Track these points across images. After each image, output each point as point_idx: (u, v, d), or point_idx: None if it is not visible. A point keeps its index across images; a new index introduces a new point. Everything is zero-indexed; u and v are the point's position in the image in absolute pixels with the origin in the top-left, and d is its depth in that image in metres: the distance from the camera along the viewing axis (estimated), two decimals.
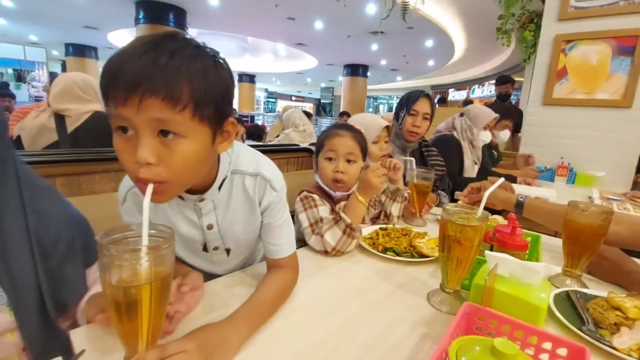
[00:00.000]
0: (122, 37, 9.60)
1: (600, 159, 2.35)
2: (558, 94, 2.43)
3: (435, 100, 6.92)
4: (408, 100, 1.59)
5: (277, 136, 3.06)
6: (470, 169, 2.03)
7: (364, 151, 1.10)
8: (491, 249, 0.80)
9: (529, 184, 2.05)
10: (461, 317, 0.50)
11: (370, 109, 21.43)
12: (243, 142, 3.61)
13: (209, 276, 0.78)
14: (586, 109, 2.35)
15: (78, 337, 0.53)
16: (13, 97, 4.56)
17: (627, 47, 2.17)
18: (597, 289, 0.75)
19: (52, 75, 6.72)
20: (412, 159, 1.27)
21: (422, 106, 1.56)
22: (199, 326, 0.53)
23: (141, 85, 0.44)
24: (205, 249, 0.75)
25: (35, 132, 1.42)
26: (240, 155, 0.69)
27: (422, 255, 0.91)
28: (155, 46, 0.45)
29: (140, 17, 6.98)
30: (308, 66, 13.27)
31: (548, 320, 0.64)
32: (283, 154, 2.03)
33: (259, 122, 9.26)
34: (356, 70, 12.06)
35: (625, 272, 0.80)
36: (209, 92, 0.49)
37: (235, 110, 10.87)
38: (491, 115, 1.99)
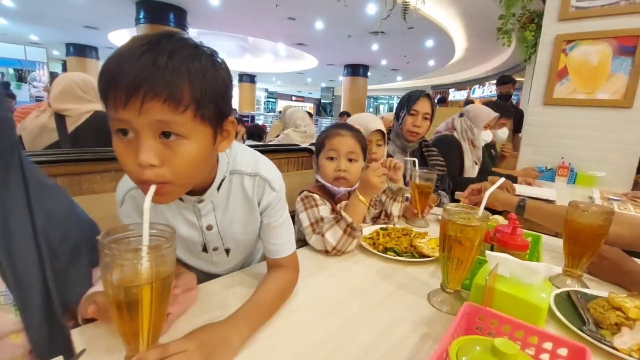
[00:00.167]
0: (122, 37, 9.61)
1: (601, 159, 2.35)
2: (559, 94, 2.43)
3: (435, 100, 6.92)
4: (408, 100, 1.59)
5: (277, 136, 3.05)
6: (471, 169, 2.03)
7: (365, 150, 1.11)
8: (492, 249, 0.80)
9: (529, 184, 2.05)
10: (462, 317, 0.50)
11: (371, 109, 21.43)
12: (244, 142, 3.61)
13: (208, 276, 0.78)
14: (587, 109, 2.35)
15: (78, 337, 0.53)
16: (13, 97, 4.57)
17: (628, 47, 2.17)
18: (597, 289, 0.75)
19: (53, 75, 6.73)
20: (415, 159, 1.27)
21: (423, 106, 1.56)
22: (199, 326, 0.53)
23: (142, 87, 0.43)
24: (204, 249, 0.75)
25: (36, 132, 1.42)
26: (239, 155, 0.68)
27: (423, 255, 0.91)
28: (154, 47, 0.45)
29: (141, 17, 6.99)
30: (308, 66, 13.27)
31: (548, 320, 0.64)
32: (283, 154, 2.03)
33: (260, 122, 9.25)
34: (356, 70, 12.06)
35: (626, 272, 0.80)
36: (209, 92, 0.49)
37: (235, 110, 10.88)
38: (491, 114, 1.99)
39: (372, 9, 6.36)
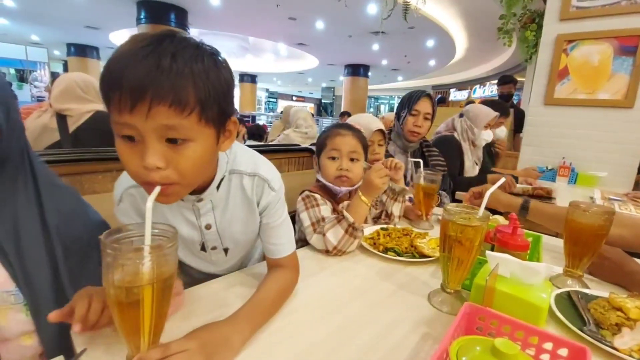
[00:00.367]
0: (123, 37, 9.61)
1: (601, 159, 2.34)
2: (559, 94, 2.43)
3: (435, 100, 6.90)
4: (409, 100, 1.59)
5: (279, 136, 3.05)
6: (471, 169, 2.03)
7: (366, 150, 1.11)
8: (492, 249, 0.80)
9: (530, 184, 2.05)
10: (462, 317, 0.50)
11: (371, 109, 21.42)
12: (244, 142, 3.61)
13: (207, 276, 0.78)
14: (588, 109, 2.35)
15: (78, 337, 0.53)
16: (15, 97, 4.57)
17: (629, 47, 2.17)
18: (598, 289, 0.75)
19: (54, 75, 6.74)
20: (420, 160, 1.27)
21: (424, 106, 1.56)
22: (200, 325, 0.53)
23: (148, 92, 0.43)
24: (203, 248, 0.75)
25: (38, 132, 1.42)
26: (238, 155, 0.69)
27: (423, 256, 0.91)
28: (156, 48, 0.45)
29: (142, 17, 6.99)
30: (309, 66, 13.28)
31: (549, 320, 0.64)
32: (284, 154, 2.03)
33: (261, 122, 9.26)
34: (357, 70, 12.05)
35: (627, 272, 0.80)
36: (212, 94, 0.49)
37: (236, 110, 10.87)
38: (491, 114, 1.99)
39: (372, 9, 6.35)
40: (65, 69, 11.96)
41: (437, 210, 1.36)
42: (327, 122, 12.71)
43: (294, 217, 1.00)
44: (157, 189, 0.47)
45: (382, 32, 7.40)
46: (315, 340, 0.57)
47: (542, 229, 1.06)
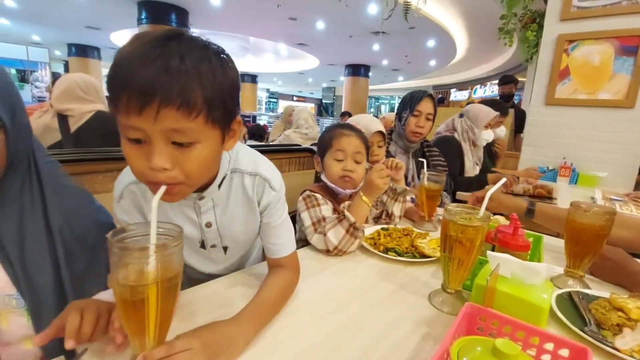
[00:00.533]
0: (124, 37, 9.63)
1: (602, 159, 2.34)
2: (560, 94, 2.42)
3: None
4: (411, 101, 1.58)
5: (279, 136, 3.06)
6: (472, 170, 2.03)
7: (367, 151, 1.11)
8: (493, 249, 0.79)
9: (531, 184, 2.05)
10: (463, 318, 0.50)
11: (372, 109, 21.41)
12: (245, 142, 3.62)
13: (206, 276, 0.78)
14: (589, 109, 2.35)
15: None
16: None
17: (630, 47, 2.16)
18: (599, 290, 0.75)
19: (55, 76, 6.75)
20: (424, 160, 1.26)
21: (426, 106, 1.56)
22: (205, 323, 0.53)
23: (157, 95, 0.43)
24: (202, 246, 0.75)
25: (40, 132, 1.43)
26: (240, 154, 0.69)
27: (424, 256, 0.91)
28: (164, 49, 0.44)
29: (143, 17, 7.00)
30: (309, 66, 13.27)
31: (550, 321, 0.64)
32: (284, 154, 2.03)
33: (261, 123, 9.26)
34: (358, 70, 12.05)
35: (629, 273, 0.79)
36: (219, 95, 0.49)
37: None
38: (491, 113, 1.99)
39: (373, 9, 6.35)
40: (66, 69, 11.97)
41: (438, 211, 1.36)
42: (327, 122, 12.71)
43: (294, 217, 1.00)
44: (163, 189, 0.47)
45: (383, 32, 7.40)
46: (316, 340, 0.57)
47: (542, 229, 1.06)
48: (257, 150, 0.75)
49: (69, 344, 0.45)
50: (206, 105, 0.47)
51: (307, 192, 1.04)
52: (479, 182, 1.87)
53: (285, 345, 0.55)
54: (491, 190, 0.72)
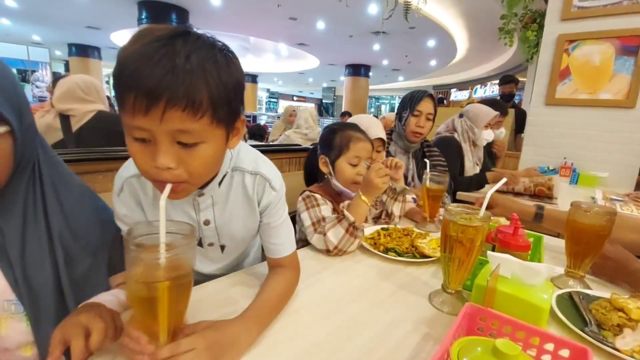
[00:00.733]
0: (125, 37, 9.63)
1: (603, 159, 2.34)
2: (561, 94, 2.42)
3: None
4: (411, 101, 1.58)
5: (280, 136, 3.06)
6: (472, 170, 2.03)
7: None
8: (493, 250, 0.79)
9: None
10: (463, 318, 0.50)
11: (372, 109, 21.40)
12: (245, 141, 3.62)
13: (205, 277, 0.78)
14: (589, 109, 2.34)
15: None
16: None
17: (631, 47, 2.16)
18: (600, 290, 0.75)
19: (55, 76, 6.74)
20: (427, 161, 1.26)
21: (426, 106, 1.56)
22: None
23: (163, 96, 0.43)
24: (200, 244, 0.75)
25: (42, 131, 1.43)
26: (241, 152, 0.69)
27: (424, 256, 0.91)
28: (170, 49, 0.44)
29: (143, 17, 7.00)
30: (310, 66, 13.27)
31: (550, 321, 0.64)
32: (284, 154, 2.03)
33: (262, 123, 9.26)
34: (358, 70, 12.05)
35: (631, 271, 0.79)
36: (223, 94, 0.49)
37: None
38: (491, 113, 1.98)
39: (373, 9, 6.35)
40: (67, 69, 11.98)
41: (442, 212, 1.35)
42: (327, 122, 12.70)
43: (294, 217, 1.00)
44: (169, 187, 0.48)
45: (383, 32, 7.40)
46: (316, 340, 0.57)
47: (543, 229, 1.06)
48: (257, 150, 0.75)
49: None
50: (211, 105, 0.47)
51: (307, 193, 1.04)
52: (479, 181, 1.87)
53: (285, 345, 0.55)
54: (491, 190, 0.72)
